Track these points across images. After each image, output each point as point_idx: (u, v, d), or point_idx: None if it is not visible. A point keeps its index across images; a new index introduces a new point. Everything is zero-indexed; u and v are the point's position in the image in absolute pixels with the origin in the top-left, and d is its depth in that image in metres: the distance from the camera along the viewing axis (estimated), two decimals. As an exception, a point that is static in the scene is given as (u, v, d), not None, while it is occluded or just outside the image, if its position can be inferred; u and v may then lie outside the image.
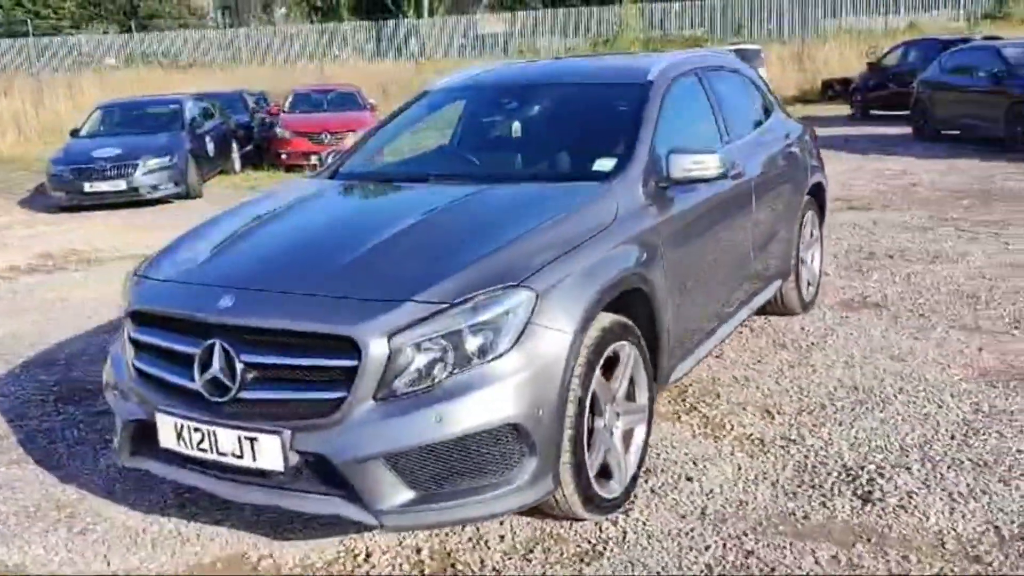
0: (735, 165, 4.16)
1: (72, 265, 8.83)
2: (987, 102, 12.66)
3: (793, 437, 3.83)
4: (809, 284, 5.55)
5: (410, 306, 2.74)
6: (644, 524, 3.20)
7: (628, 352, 3.26)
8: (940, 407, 4.03)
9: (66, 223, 11.47)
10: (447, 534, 3.20)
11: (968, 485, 3.31)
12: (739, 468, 3.58)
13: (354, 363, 2.69)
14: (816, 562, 2.88)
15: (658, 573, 2.89)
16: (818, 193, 5.60)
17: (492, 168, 4.07)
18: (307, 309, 2.82)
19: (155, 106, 14.49)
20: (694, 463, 3.65)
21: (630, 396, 3.37)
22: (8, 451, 4.14)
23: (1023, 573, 2.78)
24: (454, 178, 3.89)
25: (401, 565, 3.05)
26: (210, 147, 14.05)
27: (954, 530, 3.03)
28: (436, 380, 2.72)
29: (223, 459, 2.87)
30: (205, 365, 2.87)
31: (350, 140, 14.61)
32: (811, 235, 5.55)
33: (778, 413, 4.09)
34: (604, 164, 3.70)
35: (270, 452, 2.78)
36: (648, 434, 3.49)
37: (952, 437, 3.72)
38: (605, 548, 3.06)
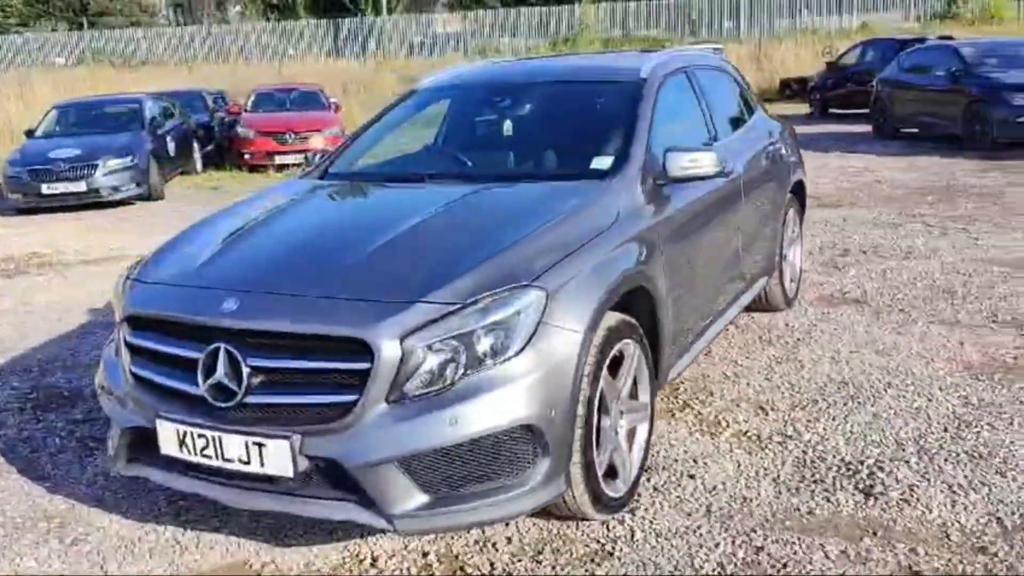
0: (726, 163, 4.17)
1: (35, 269, 8.61)
2: (945, 101, 12.91)
3: (789, 433, 3.85)
4: (791, 281, 5.61)
5: (421, 307, 2.70)
6: (651, 523, 3.19)
7: (632, 351, 3.26)
8: (930, 401, 4.09)
9: (25, 226, 11.18)
10: (453, 537, 3.16)
11: (966, 477, 3.36)
12: (739, 465, 3.60)
13: (366, 366, 2.64)
14: (826, 557, 2.90)
15: (671, 572, 2.88)
16: (799, 191, 5.66)
17: (488, 167, 4.03)
18: (316, 311, 2.77)
19: (113, 105, 14.20)
20: (694, 461, 3.65)
21: (632, 395, 3.36)
22: (-12, 461, 4.02)
23: (1029, 563, 2.83)
24: (450, 178, 3.86)
25: (408, 569, 3.01)
26: (171, 147, 13.81)
27: (957, 522, 3.07)
28: (449, 382, 2.68)
29: (228, 465, 2.81)
30: (209, 370, 2.81)
31: (315, 140, 14.54)
32: (793, 232, 5.60)
33: (771, 409, 4.12)
34: (602, 162, 3.69)
35: (279, 457, 2.72)
36: (650, 432, 3.49)
37: (945, 430, 3.78)
38: (614, 548, 3.05)
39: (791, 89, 23.43)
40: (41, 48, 35.60)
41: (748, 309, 5.30)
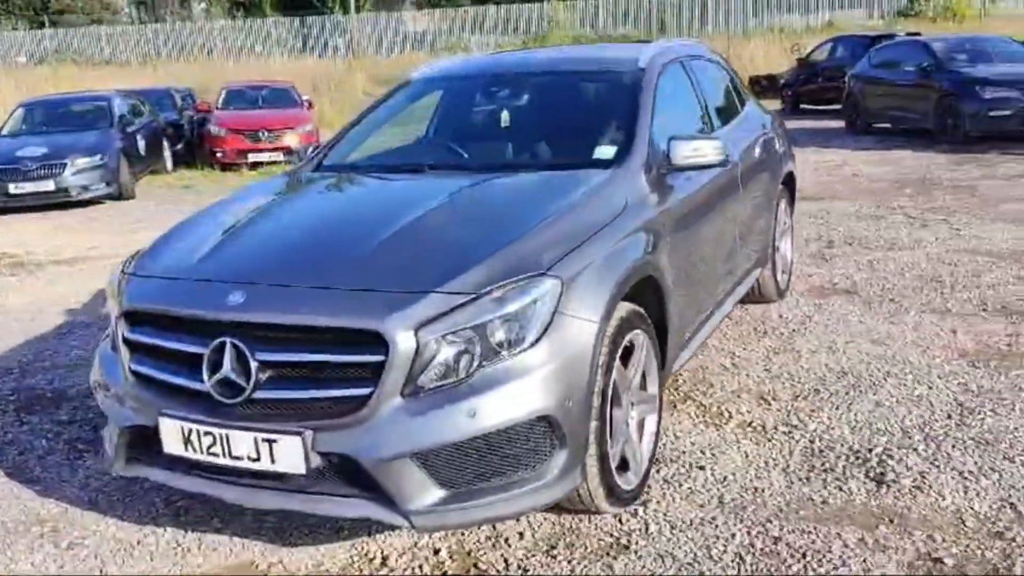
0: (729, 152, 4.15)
1: (5, 270, 8.39)
2: (917, 96, 13.04)
3: (794, 423, 3.83)
4: (783, 272, 5.61)
5: (436, 297, 2.64)
6: (664, 515, 3.15)
7: (642, 341, 3.22)
8: (930, 389, 4.10)
9: (-8, 226, 10.93)
10: (464, 533, 3.10)
11: (976, 463, 3.36)
12: (747, 455, 3.57)
13: (380, 358, 2.57)
14: (845, 545, 2.88)
15: (689, 564, 2.84)
16: (790, 182, 5.66)
17: (488, 158, 3.96)
18: (327, 303, 2.69)
19: (81, 103, 13.92)
20: (701, 452, 3.62)
21: (641, 386, 3.32)
22: (-27, 465, 3.89)
23: (1046, 547, 2.83)
24: (450, 168, 3.80)
25: (420, 567, 2.95)
26: (141, 145, 13.55)
27: (971, 508, 3.06)
28: (464, 374, 2.62)
29: (237, 463, 2.72)
30: (214, 365, 2.72)
31: (289, 138, 14.38)
32: (784, 223, 5.60)
33: (773, 399, 4.10)
34: (605, 152, 3.65)
35: (290, 454, 2.64)
36: (659, 424, 3.45)
37: (949, 417, 3.78)
38: (630, 541, 3.00)
39: (760, 86, 23.50)
40: (3, 47, 34.90)
41: (741, 301, 5.27)
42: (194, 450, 2.77)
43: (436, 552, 3.03)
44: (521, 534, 3.09)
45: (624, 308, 3.05)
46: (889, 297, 5.54)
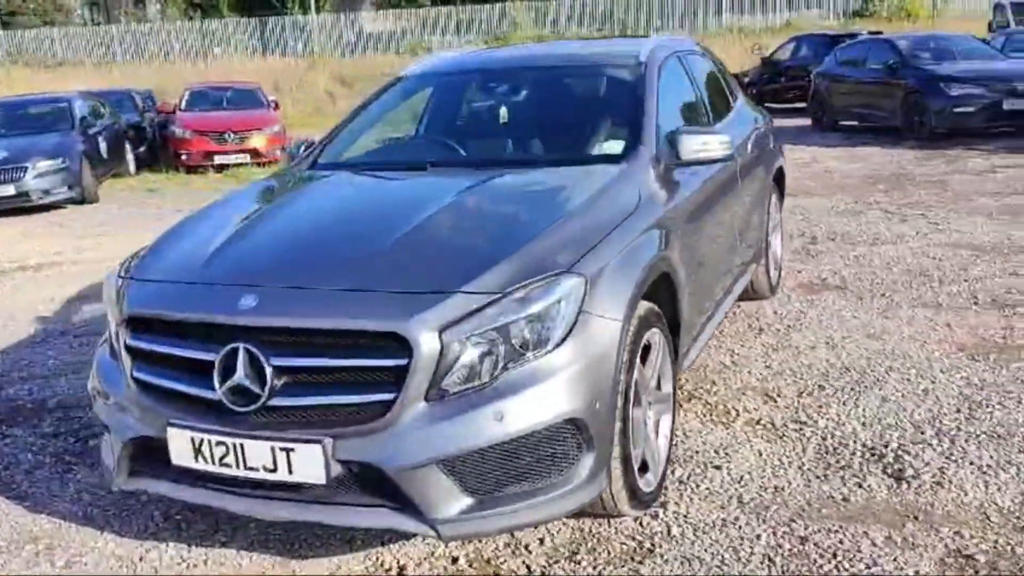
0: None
1: (-31, 277, 8.11)
2: (883, 93, 13.20)
3: (803, 419, 3.80)
4: (775, 268, 5.59)
5: (459, 298, 2.54)
6: (685, 517, 3.09)
7: (658, 340, 3.15)
8: (934, 383, 4.09)
9: (-49, 233, 10.58)
10: (482, 540, 3.01)
11: (992, 457, 3.34)
12: (760, 454, 3.52)
13: (404, 362, 2.47)
14: (874, 544, 2.83)
15: (718, 567, 2.78)
16: (780, 178, 5.65)
17: (492, 153, 3.88)
18: (346, 305, 2.58)
19: (41, 105, 13.55)
20: (715, 451, 3.56)
21: (656, 385, 3.26)
22: (-45, 481, 3.71)
23: (1073, 541, 2.81)
24: (454, 165, 3.70)
25: (439, 577, 2.86)
26: (103, 148, 13.23)
27: (995, 503, 3.04)
28: (490, 376, 2.53)
29: (252, 474, 2.60)
30: (226, 372, 2.59)
31: (256, 139, 14.15)
32: (775, 219, 5.58)
33: (779, 396, 4.06)
34: (613, 146, 3.59)
35: (309, 463, 2.53)
36: (673, 423, 3.39)
37: (958, 411, 3.77)
38: (653, 544, 2.93)
39: (724, 84, 23.75)
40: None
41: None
42: (205, 461, 2.64)
43: (454, 560, 2.93)
44: (541, 540, 3.00)
45: (643, 306, 2.98)
46: (880, 292, 5.55)
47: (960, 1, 37.73)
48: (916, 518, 2.98)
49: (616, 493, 2.88)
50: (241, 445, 2.58)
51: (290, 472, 2.56)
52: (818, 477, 3.30)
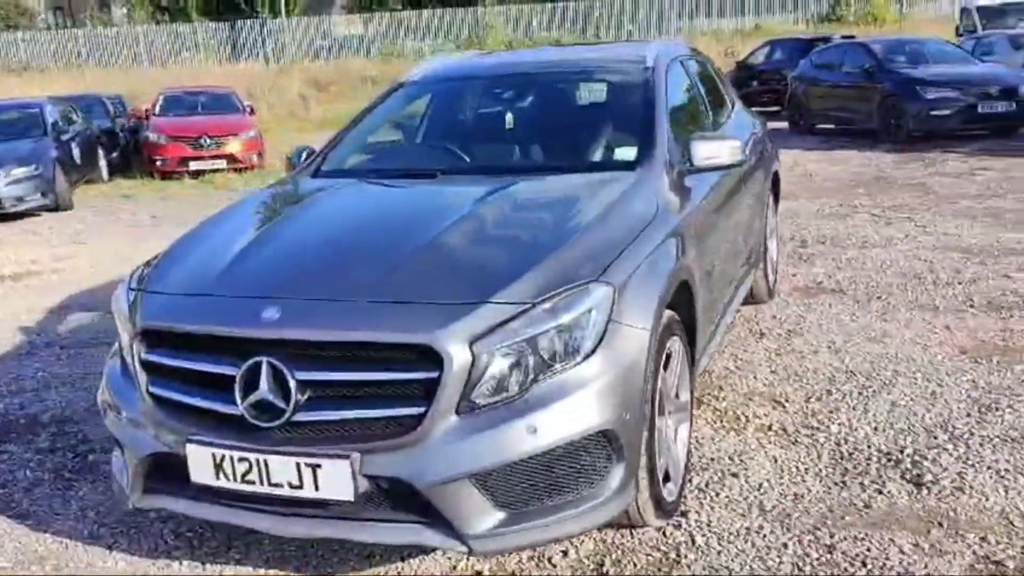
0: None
1: (-57, 288, 7.92)
2: (860, 96, 13.33)
3: (814, 425, 3.79)
4: (772, 272, 5.59)
5: (489, 308, 2.49)
6: (708, 526, 3.06)
7: (678, 348, 3.12)
8: (941, 386, 4.10)
9: (-79, 242, 10.33)
10: (506, 554, 2.95)
11: (1009, 461, 3.35)
12: (776, 460, 3.50)
13: (435, 375, 2.42)
14: (901, 551, 2.82)
15: (748, 577, 2.76)
16: (776, 182, 5.66)
17: (502, 160, 3.82)
18: (373, 317, 2.52)
19: (11, 111, 13.25)
20: (729, 458, 3.54)
21: (675, 393, 3.23)
22: (-49, 500, 3.59)
23: (1098, 544, 2.82)
24: (465, 172, 3.65)
25: (464, 592, 2.80)
26: (76, 154, 13.00)
27: (1017, 508, 3.04)
28: (521, 388, 2.48)
29: (276, 491, 2.53)
30: (248, 386, 2.52)
31: (232, 145, 13.98)
32: (771, 223, 5.59)
33: (787, 402, 4.05)
34: (626, 153, 3.56)
35: (336, 479, 2.46)
36: (691, 431, 3.37)
37: (968, 415, 3.78)
38: (679, 555, 2.90)
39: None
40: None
41: (734, 302, 5.26)
42: (227, 478, 2.57)
43: (478, 575, 2.88)
44: (565, 552, 2.96)
45: (665, 315, 2.95)
46: (876, 295, 5.57)
47: (925, 6, 38.29)
48: (940, 524, 2.97)
49: (643, 504, 2.85)
50: (265, 461, 2.51)
51: (316, 488, 2.49)
52: (837, 484, 3.29)
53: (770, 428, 3.80)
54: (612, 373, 2.58)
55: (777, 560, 2.83)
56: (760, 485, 3.32)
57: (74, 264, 8.55)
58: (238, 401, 2.53)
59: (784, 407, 4.00)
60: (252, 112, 15.74)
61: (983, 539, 2.86)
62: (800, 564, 2.80)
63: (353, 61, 31.50)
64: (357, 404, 2.49)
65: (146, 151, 14.49)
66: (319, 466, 2.47)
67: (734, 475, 3.40)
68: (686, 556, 2.89)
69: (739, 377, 4.39)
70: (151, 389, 2.72)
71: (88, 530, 3.28)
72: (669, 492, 3.04)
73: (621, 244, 2.84)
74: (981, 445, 3.49)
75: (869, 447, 3.55)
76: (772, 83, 18.00)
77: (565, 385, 2.51)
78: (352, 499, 2.48)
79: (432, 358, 2.42)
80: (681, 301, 3.22)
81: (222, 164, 14.04)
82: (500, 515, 2.49)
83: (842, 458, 3.48)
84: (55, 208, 11.75)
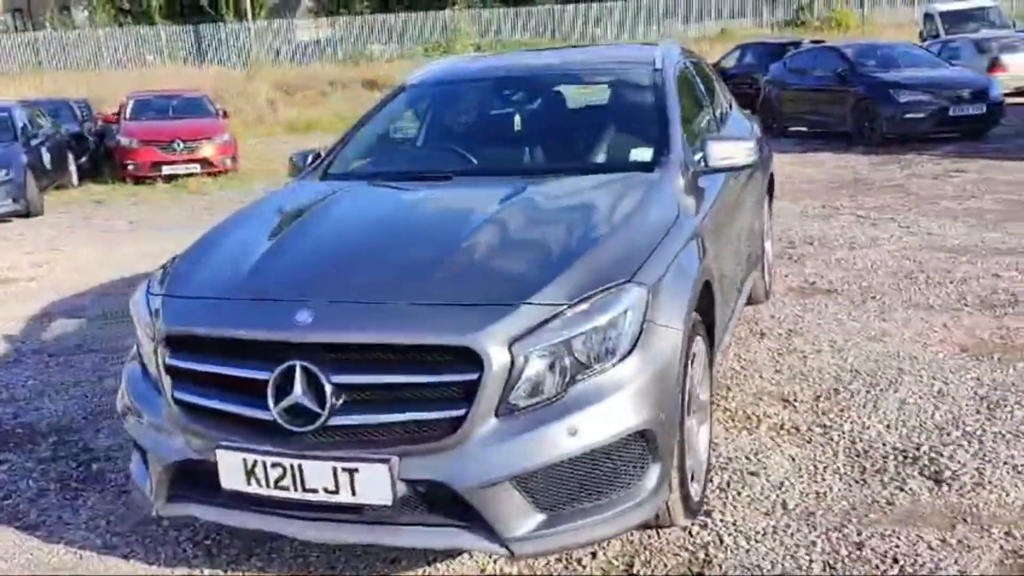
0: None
1: (-83, 294, 7.71)
2: (834, 100, 13.49)
3: (826, 424, 3.81)
4: (768, 273, 5.63)
5: (527, 310, 2.47)
6: (734, 525, 3.06)
7: (701, 348, 3.13)
8: (947, 384, 4.14)
9: None
10: (531, 559, 2.93)
11: None
12: (793, 459, 3.52)
13: (474, 377, 2.39)
14: (930, 547, 2.84)
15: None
16: (771, 183, 5.69)
17: (517, 162, 3.79)
18: (411, 319, 2.48)
19: (-21, 115, 12.99)
20: (746, 457, 3.55)
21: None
22: (-47, 512, 3.49)
23: (1120, 537, 2.86)
24: (479, 174, 3.63)
25: (495, 596, 2.78)
26: (46, 159, 12.74)
27: (1038, 502, 3.08)
28: (559, 389, 2.47)
29: (310, 496, 2.49)
30: (280, 391, 2.48)
31: (206, 149, 13.80)
32: (767, 223, 5.62)
33: (796, 401, 4.07)
34: (642, 154, 3.55)
35: (374, 484, 2.42)
36: (711, 430, 3.37)
37: (978, 412, 3.82)
38: (708, 555, 2.90)
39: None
40: None
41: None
42: (259, 484, 2.52)
43: (507, 579, 2.86)
44: (593, 554, 2.94)
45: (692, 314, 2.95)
46: (870, 295, 5.63)
47: (886, 11, 38.93)
48: (965, 520, 3.00)
49: (673, 504, 2.84)
50: (299, 466, 2.47)
51: (353, 493, 2.45)
52: (857, 481, 3.31)
53: (782, 427, 3.81)
54: (649, 373, 2.57)
55: (807, 558, 2.83)
56: (781, 484, 3.33)
57: (51, 270, 8.38)
58: (271, 406, 2.48)
59: (794, 406, 4.02)
60: (225, 116, 15.54)
61: (1008, 534, 2.89)
62: (831, 562, 2.81)
63: (320, 65, 31.28)
64: (393, 407, 2.45)
65: (117, 155, 14.26)
66: (356, 470, 2.43)
67: (753, 474, 3.41)
68: (716, 556, 2.89)
69: (745, 377, 4.41)
70: (176, 394, 2.66)
71: (101, 540, 3.20)
72: (695, 492, 3.04)
73: (650, 245, 2.83)
74: (995, 441, 3.53)
75: (884, 445, 3.58)
76: (744, 87, 18.10)
77: (604, 386, 2.50)
78: (391, 503, 2.44)
79: (472, 360, 2.39)
80: (703, 302, 3.22)
81: (196, 168, 13.86)
82: (540, 517, 2.47)
83: (858, 456, 3.51)
84: (26, 214, 11.51)
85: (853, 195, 9.32)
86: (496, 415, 2.42)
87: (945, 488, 3.21)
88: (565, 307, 2.50)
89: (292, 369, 2.46)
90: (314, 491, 2.48)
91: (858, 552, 2.85)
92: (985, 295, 5.47)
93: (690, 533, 3.02)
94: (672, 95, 3.78)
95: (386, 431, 2.45)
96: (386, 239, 3.03)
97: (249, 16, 35.43)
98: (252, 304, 2.68)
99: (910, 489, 3.22)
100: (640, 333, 2.58)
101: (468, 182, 3.55)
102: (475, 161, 3.79)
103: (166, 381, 2.68)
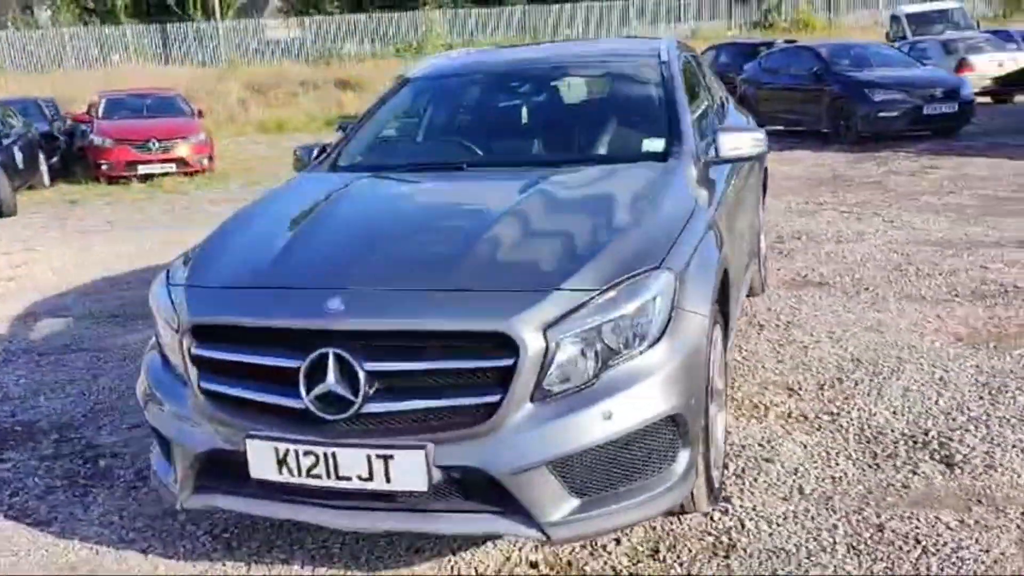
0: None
1: None
2: (809, 99, 13.66)
3: (833, 411, 3.86)
4: (762, 265, 5.68)
5: (560, 295, 2.48)
6: (754, 510, 3.09)
7: (718, 336, 3.15)
8: (947, 372, 4.21)
9: None
10: (559, 544, 2.93)
11: (1031, 440, 3.46)
12: (805, 446, 3.56)
13: (510, 362, 2.39)
14: (949, 528, 2.89)
15: (807, 559, 2.78)
16: (765, 177, 5.75)
17: (529, 153, 3.81)
18: (446, 306, 2.48)
19: (-51, 114, 12.76)
20: (759, 444, 3.59)
21: (712, 381, 3.25)
22: (-41, 511, 3.42)
23: None
24: (492, 165, 3.63)
25: (523, 584, 2.78)
26: (19, 159, 12.53)
27: (1049, 483, 3.14)
28: (593, 374, 2.48)
29: (343, 484, 2.47)
30: (311, 379, 2.46)
31: (181, 148, 13.65)
32: (761, 216, 5.67)
33: (801, 390, 4.12)
34: (654, 144, 3.58)
35: (409, 470, 2.42)
36: (725, 418, 3.40)
37: (980, 398, 3.89)
38: (731, 539, 2.92)
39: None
40: None
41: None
42: (290, 473, 2.50)
43: (534, 565, 2.87)
44: (617, 540, 2.95)
45: (711, 302, 2.97)
46: (863, 287, 5.71)
47: (851, 13, 39.48)
48: (980, 501, 3.05)
49: (698, 489, 2.86)
50: (333, 454, 2.45)
51: (387, 480, 2.44)
52: (870, 466, 3.35)
53: (790, 415, 3.85)
54: (679, 359, 2.58)
55: (831, 540, 2.87)
56: (796, 469, 3.36)
57: (31, 271, 8.23)
58: (302, 394, 2.46)
59: (799, 395, 4.07)
60: (200, 115, 15.38)
61: (1023, 515, 2.95)
62: (854, 544, 2.84)
63: (291, 64, 31.07)
64: (427, 393, 2.45)
65: (90, 155, 14.04)
66: (391, 457, 2.42)
67: (768, 460, 3.44)
68: (739, 540, 2.91)
69: (749, 367, 4.45)
70: (203, 384, 2.63)
71: (117, 535, 3.16)
72: (716, 478, 3.06)
73: (673, 233, 2.85)
74: (1000, 426, 3.59)
75: (892, 430, 3.63)
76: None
77: (636, 371, 2.51)
78: (426, 490, 2.43)
79: (507, 345, 2.39)
80: (719, 290, 3.25)
81: (171, 168, 13.69)
82: (575, 502, 2.47)
83: (869, 442, 3.55)
84: (-1, 214, 11.33)
85: (834, 191, 9.44)
86: (531, 400, 2.42)
87: (957, 471, 3.26)
88: (596, 293, 2.51)
89: (324, 357, 2.44)
90: (347, 479, 2.47)
91: (880, 534, 2.89)
92: (975, 286, 5.56)
93: (712, 519, 3.05)
94: (680, 86, 3.81)
95: (420, 417, 2.44)
96: (410, 227, 3.03)
97: (217, 15, 35.08)
98: (281, 293, 2.66)
99: (923, 473, 3.27)
100: (669, 319, 2.59)
101: (482, 173, 3.55)
102: (487, 152, 3.79)
103: (192, 371, 2.65)
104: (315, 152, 4.08)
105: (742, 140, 3.56)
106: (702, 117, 4.17)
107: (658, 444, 2.56)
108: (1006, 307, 5.13)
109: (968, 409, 3.78)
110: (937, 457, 3.38)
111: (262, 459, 2.52)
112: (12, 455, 3.90)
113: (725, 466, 3.38)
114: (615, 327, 2.50)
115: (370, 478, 2.45)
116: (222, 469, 2.65)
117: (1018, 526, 2.88)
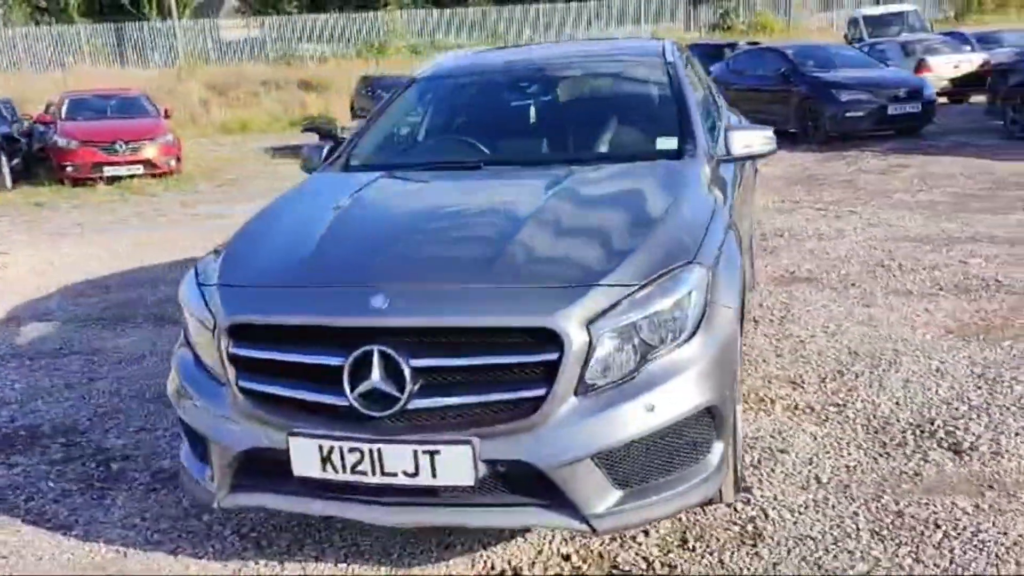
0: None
1: None
2: (777, 99, 13.87)
3: (838, 403, 3.95)
4: (752, 261, 5.78)
5: (601, 291, 2.52)
6: (775, 499, 3.17)
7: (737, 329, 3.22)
8: (943, 363, 4.33)
9: None
10: (587, 537, 2.98)
11: (1034, 428, 3.59)
12: (815, 437, 3.65)
13: (554, 356, 2.43)
14: (966, 512, 2.99)
15: (833, 545, 2.86)
16: (755, 175, 5.84)
17: (542, 151, 3.84)
18: (489, 302, 2.51)
19: (-92, 115, 12.44)
20: (771, 436, 3.67)
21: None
22: (-25, 516, 3.37)
23: None
24: (510, 163, 3.66)
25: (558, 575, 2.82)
26: (-19, 161, 12.30)
27: (1055, 468, 3.26)
28: (633, 368, 2.53)
29: (388, 480, 2.49)
30: (355, 376, 2.48)
31: (148, 149, 13.47)
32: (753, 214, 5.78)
33: (804, 383, 4.21)
34: (667, 143, 3.63)
35: (457, 465, 2.44)
36: (740, 410, 3.47)
37: (979, 388, 4.01)
38: (756, 528, 2.99)
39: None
40: None
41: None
42: (335, 470, 2.51)
43: (566, 558, 2.91)
44: (646, 532, 3.01)
45: (731, 297, 3.04)
46: (850, 283, 5.84)
47: (807, 16, 40.12)
48: (991, 487, 3.15)
49: (726, 480, 2.92)
50: (379, 451, 2.47)
51: (433, 476, 2.47)
52: (881, 455, 3.45)
53: (797, 407, 3.94)
54: (713, 351, 2.64)
55: (853, 527, 2.95)
56: (810, 460, 3.45)
57: (5, 274, 8.08)
58: (347, 391, 2.47)
59: (803, 388, 4.16)
60: (167, 115, 15.17)
61: (1035, 498, 3.06)
62: (876, 529, 2.93)
63: (251, 65, 30.77)
64: (473, 389, 2.47)
65: (54, 157, 13.77)
66: (437, 452, 2.45)
67: (783, 451, 3.52)
68: (765, 528, 2.99)
69: (750, 361, 4.53)
70: (241, 383, 2.63)
71: (143, 536, 3.14)
72: (739, 469, 3.13)
73: (700, 228, 2.91)
74: (1002, 414, 3.71)
75: (899, 420, 3.73)
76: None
77: (675, 364, 2.56)
78: (472, 484, 2.46)
79: (552, 340, 2.43)
80: (737, 285, 3.33)
81: (139, 169, 13.50)
82: (619, 493, 2.52)
83: (877, 431, 3.65)
84: (-37, 217, 11.08)
85: (808, 190, 9.61)
86: (575, 394, 2.47)
87: (967, 458, 3.37)
88: (635, 288, 2.55)
89: (368, 354, 2.46)
90: (393, 475, 2.48)
91: (900, 520, 2.98)
92: (957, 280, 5.72)
93: (735, 509, 3.12)
94: (687, 85, 3.88)
95: (465, 412, 2.47)
96: (442, 225, 3.05)
97: (174, 15, 34.60)
98: (322, 291, 2.67)
99: (934, 460, 3.37)
100: (703, 314, 2.65)
101: (501, 171, 3.58)
102: (503, 151, 3.81)
103: (230, 370, 2.64)
104: (324, 152, 4.07)
105: (753, 138, 3.65)
106: (707, 116, 4.24)
107: (695, 436, 2.62)
108: (990, 300, 5.29)
109: (968, 399, 3.89)
110: (945, 445, 3.48)
111: (306, 457, 2.53)
112: (20, 459, 3.85)
113: (741, 457, 3.46)
114: (652, 322, 2.55)
115: (416, 474, 2.47)
116: (261, 467, 2.65)
117: (1031, 510, 2.99)
